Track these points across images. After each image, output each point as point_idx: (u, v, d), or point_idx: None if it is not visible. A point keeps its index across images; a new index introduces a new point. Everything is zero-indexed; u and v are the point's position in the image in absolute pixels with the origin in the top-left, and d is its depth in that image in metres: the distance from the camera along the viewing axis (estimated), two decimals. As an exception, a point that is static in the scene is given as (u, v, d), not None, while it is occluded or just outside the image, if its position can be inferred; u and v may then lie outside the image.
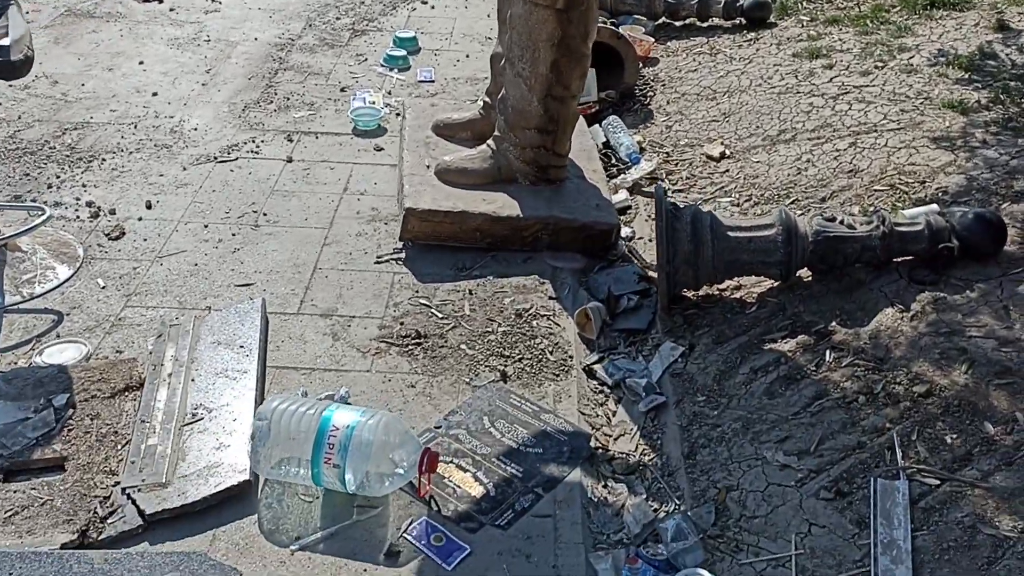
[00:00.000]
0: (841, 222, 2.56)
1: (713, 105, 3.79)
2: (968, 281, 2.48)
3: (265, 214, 3.12)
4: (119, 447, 2.14)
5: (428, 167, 3.12)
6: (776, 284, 2.65)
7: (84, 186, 3.23)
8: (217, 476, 2.05)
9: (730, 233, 2.58)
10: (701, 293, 2.71)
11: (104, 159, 3.40)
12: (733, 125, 3.61)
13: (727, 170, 3.35)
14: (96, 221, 3.04)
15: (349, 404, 2.33)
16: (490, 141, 3.10)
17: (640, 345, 2.66)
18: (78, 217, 3.05)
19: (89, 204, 3.11)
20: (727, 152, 3.44)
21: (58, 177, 3.27)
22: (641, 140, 3.63)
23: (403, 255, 2.94)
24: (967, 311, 2.39)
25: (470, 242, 2.95)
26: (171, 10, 4.82)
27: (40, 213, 2.79)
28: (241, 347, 2.43)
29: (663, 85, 4.05)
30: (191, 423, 2.18)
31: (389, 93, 4.01)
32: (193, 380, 2.32)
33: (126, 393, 2.29)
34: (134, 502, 1.99)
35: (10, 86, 3.92)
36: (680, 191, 3.30)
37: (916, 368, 2.26)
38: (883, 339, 2.38)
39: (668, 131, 3.70)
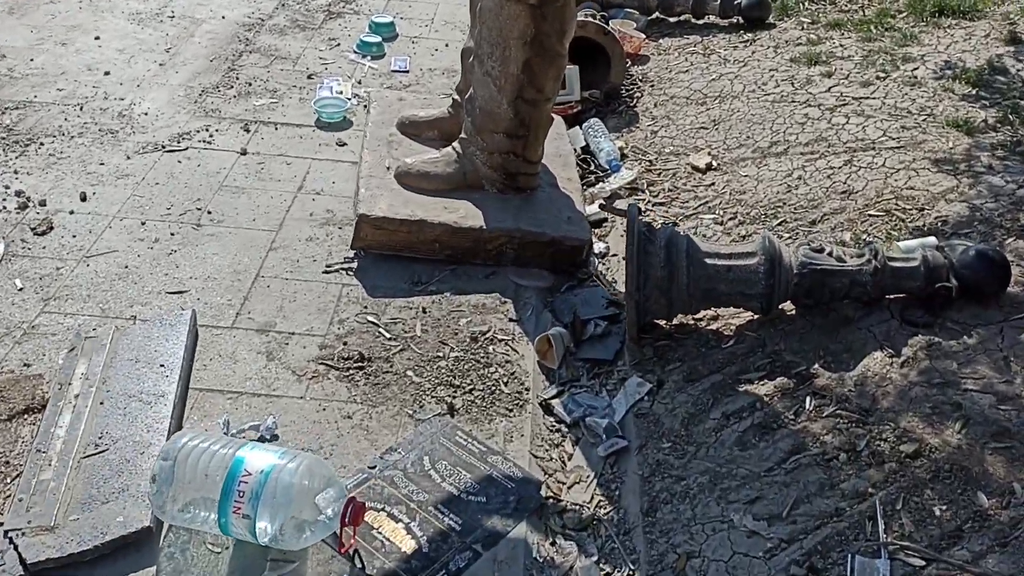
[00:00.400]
0: (830, 253, 2.33)
1: (703, 110, 3.55)
2: (966, 325, 2.25)
3: (210, 212, 2.88)
4: (8, 481, 1.90)
5: (388, 169, 2.88)
6: (756, 316, 2.42)
7: (16, 173, 2.98)
8: (114, 521, 1.82)
9: (708, 260, 2.35)
10: (675, 322, 2.48)
11: (43, 143, 3.15)
12: (722, 133, 3.37)
13: (713, 183, 3.11)
14: (23, 213, 2.79)
15: (276, 436, 2.10)
16: (456, 144, 2.86)
17: (605, 378, 2.43)
18: (4, 208, 2.81)
19: (18, 193, 2.87)
20: (714, 163, 3.21)
21: (-11, 162, 3.03)
22: (624, 146, 3.39)
23: (354, 265, 2.70)
24: (963, 360, 2.16)
25: (428, 254, 2.71)
26: (137, -18, 4.55)
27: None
28: (162, 366, 2.20)
29: (651, 86, 3.81)
30: (92, 455, 1.95)
31: (359, 83, 3.75)
32: (102, 403, 2.08)
33: (25, 416, 2.06)
34: (16, 548, 1.76)
35: (-48, 58, 3.66)
36: (661, 204, 3.06)
37: (904, 423, 2.04)
38: (869, 387, 2.15)
39: (653, 137, 3.45)
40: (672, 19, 4.36)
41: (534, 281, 2.71)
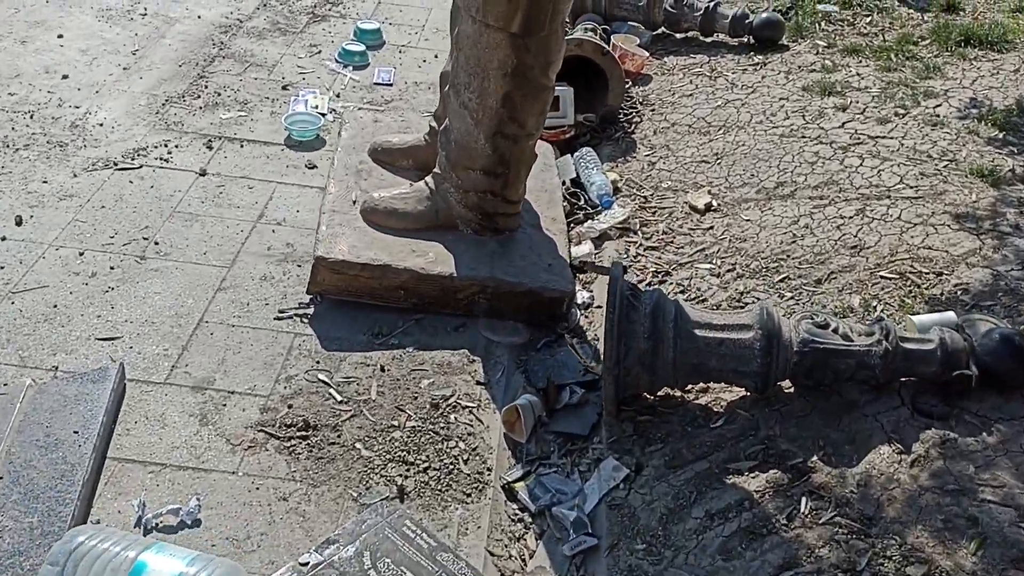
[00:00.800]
0: (835, 330, 2.07)
1: (705, 141, 3.28)
2: (986, 420, 1.99)
3: (157, 243, 2.62)
4: None
5: (355, 203, 2.62)
6: (750, 393, 2.17)
7: (-51, 190, 2.73)
8: (-6, 631, 1.58)
9: (698, 332, 2.09)
10: (660, 393, 2.23)
11: (-17, 156, 2.90)
12: (725, 169, 3.10)
13: (712, 227, 2.85)
14: (-50, 238, 2.55)
15: (199, 521, 1.85)
16: (429, 179, 2.60)
17: (578, 456, 2.18)
18: (-70, 231, 2.56)
19: (-53, 215, 2.62)
20: (714, 203, 2.94)
21: (-78, 175, 2.77)
22: (617, 179, 3.12)
23: (310, 311, 2.45)
24: (982, 462, 1.90)
25: (393, 301, 2.46)
26: (112, -26, 4.28)
27: None
28: (76, 432, 1.95)
29: (652, 110, 3.53)
30: (-21, 546, 1.71)
31: (337, 96, 3.49)
32: (1, 478, 1.83)
33: (-89, 492, 1.81)
34: None
35: (-99, 54, 3.40)
36: (653, 248, 2.80)
37: (912, 538, 1.78)
38: (874, 489, 1.89)
39: (650, 169, 3.19)
40: (678, 35, 4.08)
41: (507, 336, 2.46)
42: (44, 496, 1.81)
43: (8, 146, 2.96)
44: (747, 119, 3.35)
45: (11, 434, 1.93)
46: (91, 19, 3.84)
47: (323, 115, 3.32)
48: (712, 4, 3.94)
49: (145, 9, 3.98)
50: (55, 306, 2.36)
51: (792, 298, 2.48)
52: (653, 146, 3.32)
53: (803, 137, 3.18)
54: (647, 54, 3.85)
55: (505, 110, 2.36)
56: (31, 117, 3.13)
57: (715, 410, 2.18)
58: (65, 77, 3.39)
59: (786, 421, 2.09)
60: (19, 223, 2.62)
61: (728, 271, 2.65)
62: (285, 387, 2.21)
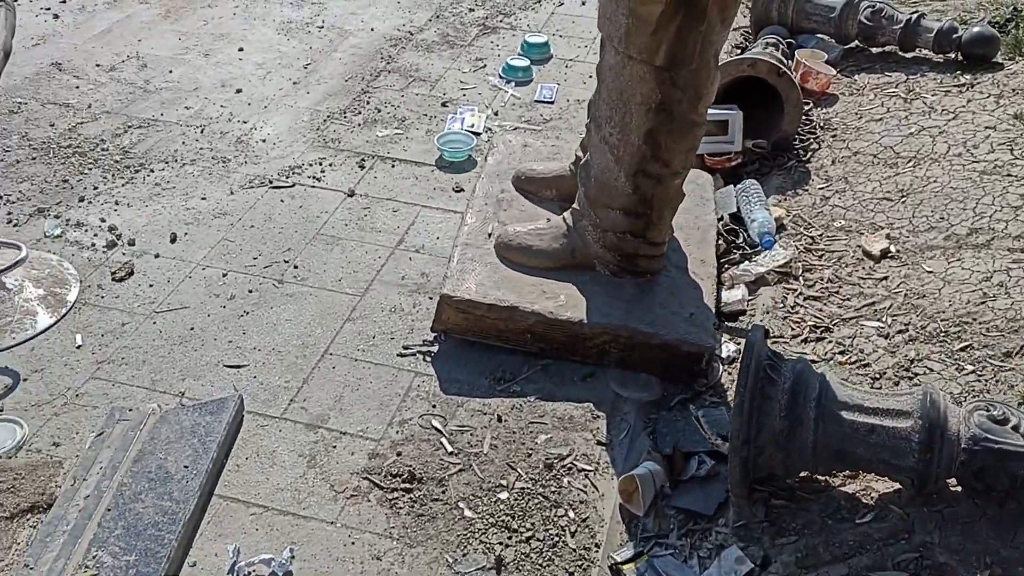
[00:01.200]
0: (1015, 427, 1.75)
1: (891, 175, 2.92)
2: None
3: (296, 267, 2.63)
4: (-14, 600, 1.72)
5: (490, 235, 2.52)
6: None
7: (117, 204, 2.86)
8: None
9: (844, 414, 1.82)
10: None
11: (153, 170, 3.02)
12: (910, 209, 2.75)
13: (886, 277, 2.53)
14: (110, 252, 2.66)
15: (290, 573, 1.81)
16: (567, 214, 2.45)
17: (699, 538, 1.97)
18: (93, 246, 2.68)
19: (112, 229, 2.74)
20: (892, 249, 2.61)
21: (95, 189, 2.92)
22: (784, 215, 2.84)
23: (434, 349, 2.37)
24: None
25: (519, 344, 2.34)
26: (298, -15, 4.40)
27: (16, 253, 2.41)
28: (186, 467, 1.96)
29: (833, 136, 3.21)
30: (76, 582, 1.74)
31: (496, 114, 3.40)
32: (109, 510, 1.87)
33: (29, 515, 1.87)
34: None
35: (97, 65, 3.63)
36: (815, 299, 2.52)
37: None
38: (1050, 628, 1.58)
39: (823, 204, 2.88)
40: (874, 49, 3.69)
41: (637, 392, 2.27)
42: (145, 534, 1.82)
43: (176, 160, 3.08)
44: (943, 150, 2.96)
45: (127, 463, 1.97)
46: (272, 32, 3.96)
47: (478, 134, 3.24)
48: (915, 16, 3.53)
49: (323, 22, 4.05)
50: (192, 328, 2.41)
51: (973, 372, 2.14)
52: (829, 178, 3.00)
53: (1009, 175, 2.77)
54: (834, 72, 3.51)
55: (648, 147, 2.17)
56: (201, 131, 3.24)
57: (864, 502, 1.91)
58: (239, 91, 3.50)
59: (948, 527, 1.79)
60: (173, 240, 2.71)
61: (899, 332, 2.33)
62: (397, 432, 2.14)
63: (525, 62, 3.65)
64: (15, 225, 2.75)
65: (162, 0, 4.19)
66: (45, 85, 3.49)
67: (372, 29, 4.00)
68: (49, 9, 4.08)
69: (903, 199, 2.80)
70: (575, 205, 2.42)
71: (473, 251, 2.46)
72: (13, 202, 2.84)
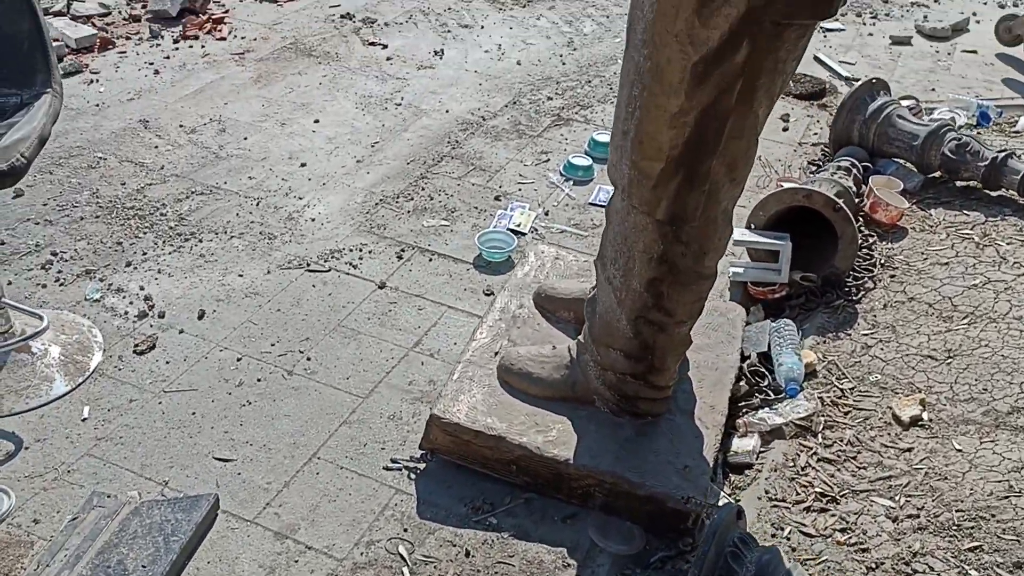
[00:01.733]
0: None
1: (942, 331, 2.74)
2: None
3: (309, 359, 2.66)
4: None
5: (497, 354, 2.48)
6: None
7: (159, 272, 2.97)
8: None
9: (804, 623, 1.70)
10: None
11: (201, 240, 3.13)
12: (953, 374, 2.57)
13: (911, 448, 2.36)
14: (139, 323, 2.75)
15: None
16: (572, 344, 2.40)
17: None
18: (126, 314, 2.79)
19: (147, 299, 2.84)
20: (924, 417, 2.44)
21: (144, 254, 3.04)
22: (817, 360, 2.70)
23: (420, 467, 2.34)
24: None
25: (504, 474, 2.29)
26: (388, 59, 4.51)
27: (37, 324, 2.52)
28: (144, 566, 1.99)
29: (892, 277, 3.04)
30: (11, 675, 1.78)
31: (546, 214, 3.38)
32: (60, 603, 1.91)
33: (-13, 596, 1.94)
34: None
35: (180, 125, 3.81)
36: (829, 461, 2.37)
37: None
38: None
39: (863, 353, 2.72)
40: (958, 183, 3.50)
41: (618, 544, 2.18)
42: (86, 633, 1.85)
43: (226, 232, 3.18)
44: (1004, 310, 2.76)
45: (91, 554, 2.01)
46: (350, 105, 4.06)
47: (523, 234, 3.22)
48: (1002, 155, 3.33)
49: (402, 99, 4.13)
50: (193, 413, 2.46)
51: (977, 580, 1.97)
52: (876, 324, 2.84)
53: (1069, 350, 2.56)
54: (906, 204, 3.34)
55: (650, 296, 2.10)
56: (257, 204, 3.34)
57: None
58: (303, 165, 3.59)
59: None
60: (201, 317, 2.79)
61: (910, 516, 2.17)
62: (362, 553, 2.12)
63: (587, 161, 3.62)
64: (62, 284, 2.88)
65: (257, 64, 4.37)
66: (128, 142, 3.68)
67: (447, 111, 4.05)
68: (152, 64, 4.31)
69: (949, 360, 2.62)
70: (580, 337, 2.36)
71: (475, 370, 2.43)
72: (66, 260, 2.99)
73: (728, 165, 1.92)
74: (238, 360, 2.64)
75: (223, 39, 4.62)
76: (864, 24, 5.16)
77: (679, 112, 1.81)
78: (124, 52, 4.43)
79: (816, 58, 4.67)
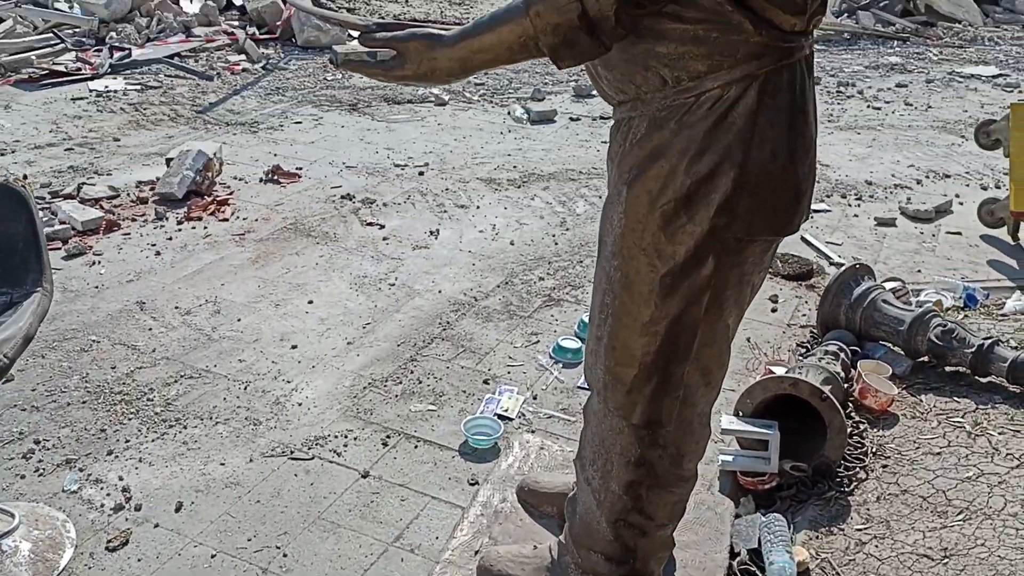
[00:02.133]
0: None
1: (938, 527, 2.67)
2: None
3: (286, 555, 2.59)
4: None
5: (477, 553, 2.41)
6: None
7: (140, 461, 2.93)
8: None
9: None
10: None
11: (186, 426, 3.11)
12: (950, 574, 2.47)
13: (909, 660, 2.25)
14: (114, 516, 2.70)
15: None
16: (553, 545, 2.33)
17: None
18: (102, 506, 2.73)
19: (125, 490, 2.79)
20: (922, 624, 2.34)
21: (127, 442, 3.02)
22: (808, 559, 2.61)
23: (393, 678, 2.23)
24: None
25: None
26: (384, 239, 4.63)
27: (9, 521, 2.47)
28: None
29: (884, 467, 2.99)
30: None
31: (535, 397, 3.37)
32: None
33: None
34: None
35: (176, 307, 3.87)
36: (825, 674, 2.25)
37: None
38: None
39: (857, 551, 2.64)
40: (947, 368, 3.50)
41: None
42: None
43: (211, 418, 3.16)
44: (998, 506, 2.70)
45: None
46: (345, 286, 4.14)
47: (509, 419, 3.20)
48: (988, 343, 3.34)
49: (396, 279, 4.21)
50: (160, 616, 2.37)
51: None
52: (870, 518, 2.77)
53: (1067, 550, 2.47)
54: (896, 391, 3.32)
55: (629, 499, 2.06)
56: (244, 388, 3.34)
57: None
58: (294, 347, 3.62)
59: None
60: (178, 509, 2.73)
61: None
62: None
63: (577, 343, 3.65)
64: (41, 475, 2.85)
65: (256, 244, 4.49)
66: (123, 324, 3.73)
67: (440, 291, 4.12)
68: (154, 245, 4.43)
69: (945, 560, 2.53)
70: (561, 538, 2.30)
71: (454, 571, 2.36)
72: (47, 449, 2.96)
73: (702, 371, 1.92)
74: (212, 557, 2.57)
75: (225, 220, 4.76)
76: (849, 205, 5.31)
77: (650, 321, 1.84)
78: (128, 234, 4.56)
79: (803, 239, 4.78)
